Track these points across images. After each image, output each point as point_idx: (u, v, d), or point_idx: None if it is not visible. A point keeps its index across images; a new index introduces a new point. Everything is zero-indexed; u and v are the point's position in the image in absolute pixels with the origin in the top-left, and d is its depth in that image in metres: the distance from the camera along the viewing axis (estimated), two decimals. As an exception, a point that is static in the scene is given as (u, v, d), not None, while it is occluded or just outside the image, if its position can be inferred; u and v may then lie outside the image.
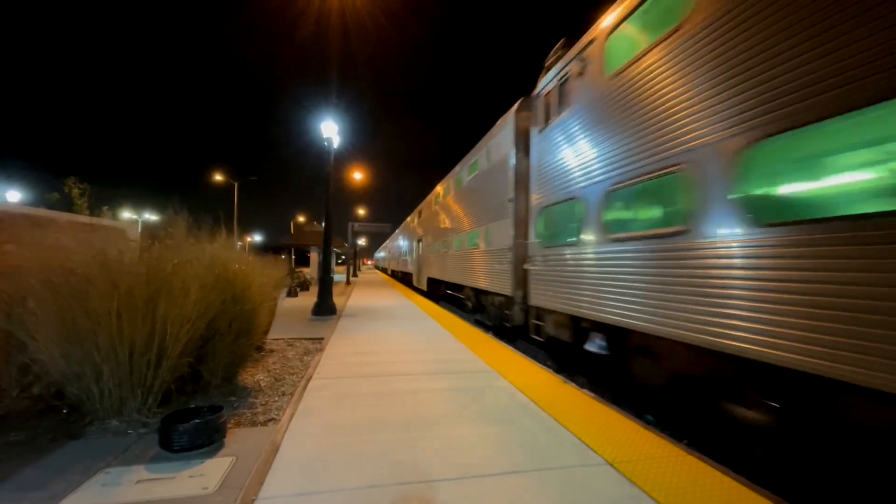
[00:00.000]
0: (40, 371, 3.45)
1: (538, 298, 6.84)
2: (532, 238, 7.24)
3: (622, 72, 4.83)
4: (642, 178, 4.42)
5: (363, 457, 2.81)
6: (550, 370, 5.17)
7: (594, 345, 5.39)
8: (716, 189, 3.52)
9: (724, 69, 3.48)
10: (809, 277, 2.78)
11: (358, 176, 25.38)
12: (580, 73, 5.83)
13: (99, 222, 6.20)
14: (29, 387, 3.69)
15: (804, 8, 2.88)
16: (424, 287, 18.41)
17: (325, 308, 10.12)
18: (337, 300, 11.12)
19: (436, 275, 15.81)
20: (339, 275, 28.64)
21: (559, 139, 6.33)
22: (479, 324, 10.32)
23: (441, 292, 15.38)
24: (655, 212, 4.44)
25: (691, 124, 3.80)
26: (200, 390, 4.15)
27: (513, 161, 8.12)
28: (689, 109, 3.82)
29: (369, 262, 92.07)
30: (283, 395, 4.23)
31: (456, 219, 12.99)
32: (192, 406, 3.33)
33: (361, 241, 43.91)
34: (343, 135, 11.05)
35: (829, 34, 2.70)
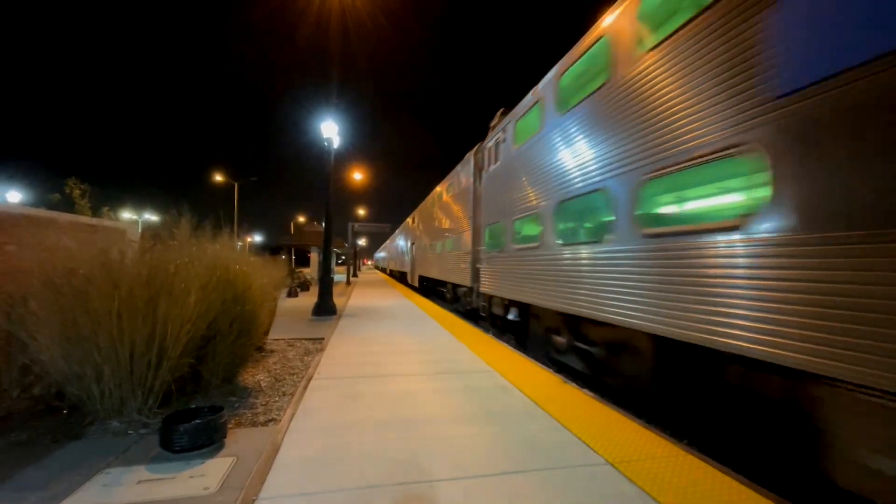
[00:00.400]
0: (41, 372, 3.45)
1: (485, 288, 9.58)
2: (481, 245, 10.07)
3: (523, 145, 7.57)
4: (531, 212, 7.08)
5: (364, 457, 2.81)
6: (551, 370, 5.17)
7: (512, 314, 8.13)
8: (551, 224, 6.28)
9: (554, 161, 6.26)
10: (661, 266, 3.98)
11: (358, 176, 25.38)
12: (503, 141, 8.73)
13: (100, 223, 6.21)
14: (30, 387, 3.69)
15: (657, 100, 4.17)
16: (417, 284, 20.85)
17: (325, 308, 10.12)
18: (337, 300, 11.13)
19: (425, 273, 18.48)
20: (339, 275, 28.65)
21: (494, 181, 9.21)
22: (461, 314, 11.84)
23: (429, 287, 18.17)
24: (534, 231, 7.02)
25: (550, 188, 6.33)
26: (201, 390, 4.15)
27: (472, 188, 10.93)
28: (546, 180, 6.50)
29: (369, 263, 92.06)
30: (284, 395, 4.23)
31: (438, 228, 15.68)
32: (193, 406, 3.33)
33: (361, 242, 43.94)
34: (343, 135, 11.07)
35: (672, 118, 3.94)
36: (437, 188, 16.14)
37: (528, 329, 7.59)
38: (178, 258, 3.86)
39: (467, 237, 11.15)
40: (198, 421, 2.93)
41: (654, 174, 4.08)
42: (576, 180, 5.55)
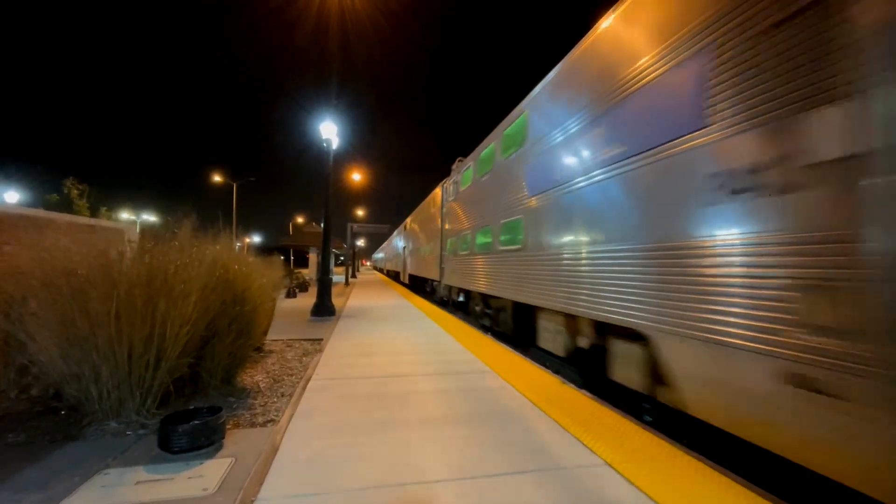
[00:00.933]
0: (39, 372, 3.45)
1: (447, 280, 13.68)
2: (445, 251, 13.98)
3: (464, 190, 11.64)
4: (464, 232, 11.13)
5: (362, 458, 2.81)
6: (549, 371, 5.17)
7: (462, 297, 12.13)
8: (473, 241, 10.38)
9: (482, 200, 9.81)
10: (507, 266, 7.69)
11: (357, 177, 25.39)
12: (456, 182, 12.51)
13: (98, 223, 6.20)
14: (28, 388, 3.68)
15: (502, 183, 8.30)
16: (408, 281, 24.89)
17: (323, 309, 10.11)
18: (336, 301, 11.12)
19: (413, 272, 22.62)
20: (337, 276, 28.62)
21: (450, 208, 13.43)
22: (445, 304, 14.77)
23: (418, 286, 22.14)
24: (467, 244, 10.91)
25: (472, 220, 10.50)
26: (199, 391, 4.14)
27: (440, 210, 15.05)
28: (470, 216, 10.72)
29: (368, 263, 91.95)
30: (282, 396, 4.23)
31: (422, 236, 19.99)
32: (192, 407, 3.32)
33: (360, 243, 43.90)
34: (343, 136, 11.07)
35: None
36: (422, 204, 20.49)
37: (468, 305, 11.68)
38: (178, 259, 3.86)
39: (436, 245, 15.40)
40: (196, 422, 2.93)
41: (503, 222, 8.10)
42: (479, 218, 9.86)
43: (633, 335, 4.16)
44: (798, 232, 2.54)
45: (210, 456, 2.85)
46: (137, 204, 33.37)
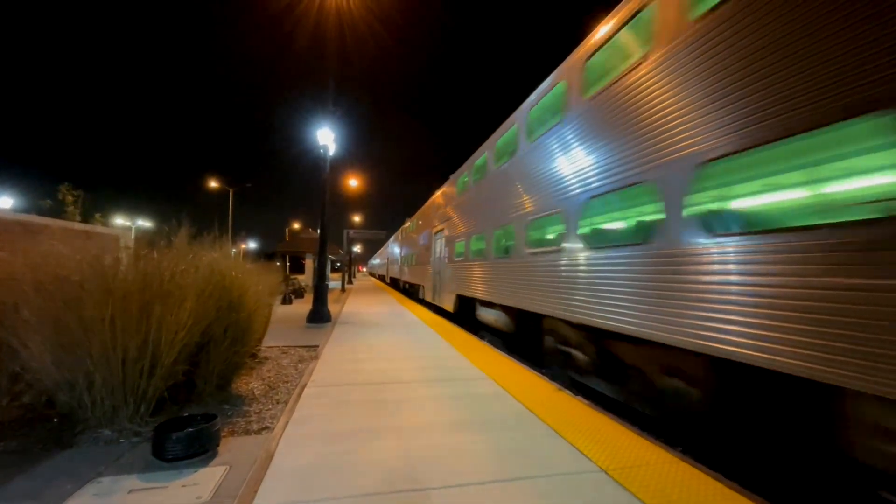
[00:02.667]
0: (32, 379, 3.42)
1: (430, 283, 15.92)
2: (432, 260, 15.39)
3: (447, 201, 13.05)
4: (465, 236, 11.00)
5: (358, 465, 2.81)
6: (545, 377, 5.18)
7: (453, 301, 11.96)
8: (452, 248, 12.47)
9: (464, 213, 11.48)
10: (497, 272, 8.45)
11: (354, 183, 25.42)
12: (444, 194, 13.73)
13: (93, 229, 6.18)
14: (20, 395, 3.65)
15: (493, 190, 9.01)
16: (401, 286, 26.17)
17: (320, 315, 10.08)
18: (332, 307, 11.08)
19: (406, 279, 23.31)
20: (334, 282, 28.54)
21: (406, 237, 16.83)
22: (443, 314, 13.82)
23: (408, 289, 23.28)
24: (460, 248, 11.24)
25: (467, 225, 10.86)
26: (194, 398, 4.12)
27: (396, 248, 20.02)
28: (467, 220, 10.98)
29: (364, 269, 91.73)
30: (278, 403, 4.21)
31: (411, 247, 21.55)
32: (186, 414, 3.31)
33: (357, 248, 43.84)
34: (340, 141, 11.09)
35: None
36: (407, 224, 23.53)
37: (459, 310, 11.74)
38: (174, 265, 3.85)
39: (425, 255, 17.17)
40: (191, 429, 2.91)
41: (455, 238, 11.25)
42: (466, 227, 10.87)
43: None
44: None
45: (204, 464, 2.83)
46: (133, 209, 33.18)
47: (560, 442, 3.20)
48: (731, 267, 3.16)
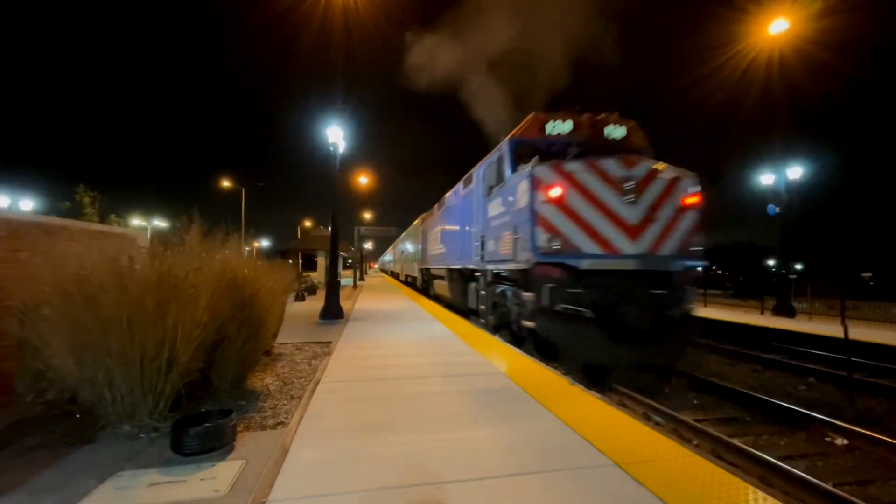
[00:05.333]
0: (54, 377, 3.50)
1: (412, 272, 24.85)
2: (421, 258, 21.24)
3: (423, 231, 20.20)
4: (416, 249, 23.16)
5: (372, 459, 2.83)
6: (557, 372, 5.16)
7: (422, 277, 20.24)
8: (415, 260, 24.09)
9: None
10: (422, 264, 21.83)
11: (364, 180, 25.53)
12: (424, 221, 19.53)
13: (110, 230, 6.29)
14: (43, 392, 3.74)
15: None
16: (403, 278, 31.65)
17: (332, 312, 10.17)
18: (344, 304, 11.16)
19: (406, 272, 29.30)
20: (345, 279, 28.73)
21: (425, 235, 19.17)
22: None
23: (409, 281, 28.57)
24: (407, 257, 27.63)
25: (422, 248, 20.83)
26: (210, 395, 4.19)
27: (420, 235, 20.74)
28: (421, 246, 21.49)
29: (375, 266, 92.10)
30: (292, 398, 4.26)
31: (410, 247, 27.00)
32: (203, 410, 3.37)
33: (368, 245, 44.10)
34: (349, 139, 11.12)
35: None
36: (408, 230, 29.02)
37: (425, 283, 19.24)
38: (188, 264, 3.91)
39: (414, 253, 24.00)
40: (208, 424, 2.96)
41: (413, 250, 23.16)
42: (426, 246, 18.93)
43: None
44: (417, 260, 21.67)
45: (221, 458, 2.88)
46: (148, 209, 33.74)
47: (573, 436, 3.19)
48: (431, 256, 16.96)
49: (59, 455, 2.92)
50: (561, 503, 2.31)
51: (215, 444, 2.95)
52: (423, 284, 20.18)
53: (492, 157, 8.99)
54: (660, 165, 6.84)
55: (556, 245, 6.45)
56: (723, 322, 11.70)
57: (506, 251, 7.69)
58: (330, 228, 11.18)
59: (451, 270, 13.00)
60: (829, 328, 9.93)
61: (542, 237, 6.51)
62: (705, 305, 15.27)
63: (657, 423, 5.17)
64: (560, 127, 7.93)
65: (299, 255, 27.92)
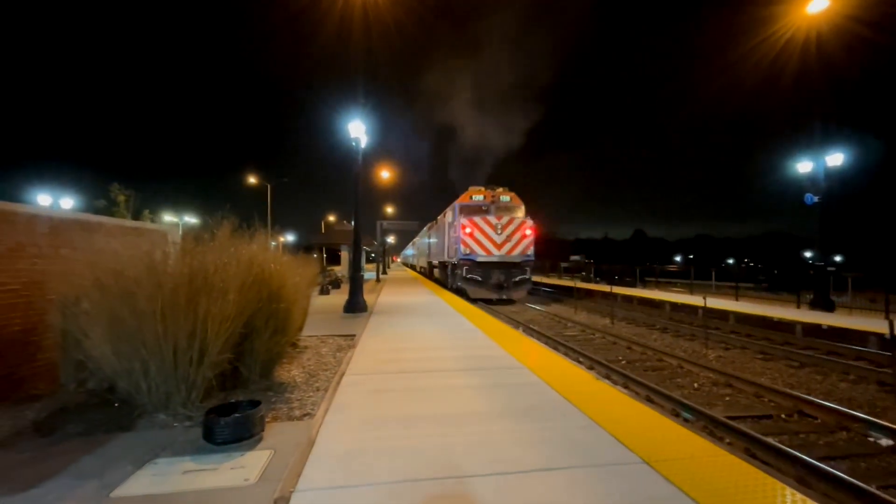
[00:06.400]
0: (94, 367, 3.67)
1: (423, 263, 34.54)
2: (426, 255, 31.25)
3: (426, 236, 30.68)
4: (424, 247, 34.06)
5: (397, 451, 2.85)
6: (582, 367, 5.09)
7: (435, 270, 26.16)
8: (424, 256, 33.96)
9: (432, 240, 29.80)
10: (424, 261, 35.50)
11: (386, 174, 25.66)
12: (429, 230, 28.02)
13: (143, 226, 6.51)
14: (84, 381, 3.93)
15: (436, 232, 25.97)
16: (419, 268, 38.67)
17: (356, 305, 10.30)
18: (367, 297, 11.29)
19: (420, 265, 36.66)
20: (369, 272, 29.11)
21: (427, 238, 29.93)
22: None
23: (421, 271, 36.58)
24: (422, 252, 36.03)
25: (429, 248, 30.09)
26: (240, 385, 4.31)
27: (427, 236, 29.53)
28: (428, 245, 30.63)
29: (398, 260, 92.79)
30: (318, 390, 4.34)
31: (422, 247, 34.64)
32: (233, 401, 3.46)
33: (391, 239, 44.59)
34: (372, 133, 11.17)
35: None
36: (421, 232, 35.00)
37: (431, 270, 27.16)
38: (218, 259, 4.01)
39: (425, 250, 31.38)
40: (237, 415, 3.05)
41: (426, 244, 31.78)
42: (430, 247, 28.06)
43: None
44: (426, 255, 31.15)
45: (251, 448, 2.96)
46: (179, 205, 34.82)
47: (600, 432, 3.14)
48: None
49: (99, 442, 3.05)
50: (588, 500, 2.28)
51: (245, 434, 3.03)
52: (430, 270, 29.08)
53: (450, 209, 19.53)
54: (519, 213, 17.73)
55: (467, 252, 16.56)
56: (755, 316, 11.30)
57: (452, 254, 18.40)
58: (353, 223, 11.29)
59: (440, 262, 22.85)
60: (872, 323, 9.45)
61: (462, 249, 16.60)
62: (737, 299, 14.76)
63: (686, 420, 5.04)
64: (477, 197, 18.09)
65: (323, 249, 28.44)
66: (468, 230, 16.54)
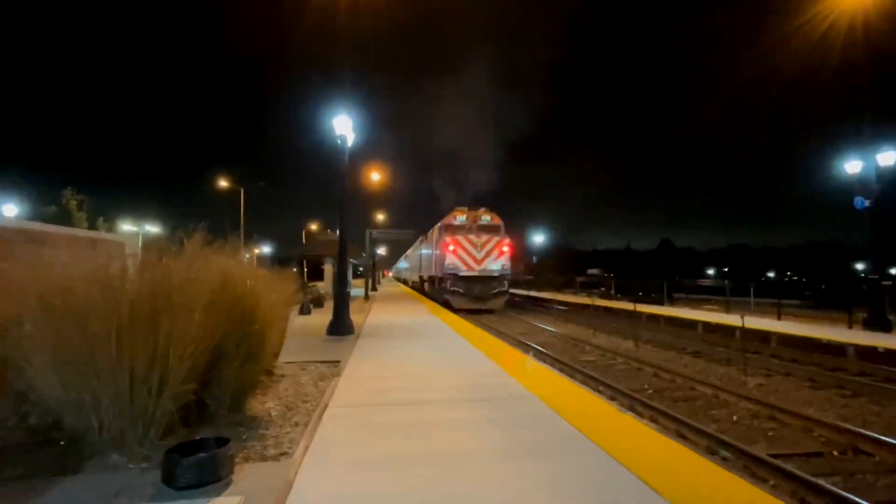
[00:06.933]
0: (37, 399, 3.62)
1: (415, 277, 39.32)
2: (420, 268, 35.39)
3: (417, 250, 37.04)
4: (414, 262, 41.45)
5: (387, 497, 2.82)
6: (602, 396, 5.06)
7: (424, 284, 31.22)
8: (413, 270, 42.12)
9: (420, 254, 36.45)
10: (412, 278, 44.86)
11: (376, 177, 25.80)
12: (420, 244, 34.22)
13: (98, 236, 6.52)
14: (26, 416, 3.88)
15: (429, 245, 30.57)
16: (411, 282, 42.75)
17: (341, 327, 10.25)
18: (355, 318, 11.25)
19: (412, 279, 40.76)
20: (356, 289, 29.03)
21: (418, 251, 35.58)
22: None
23: (413, 285, 40.59)
24: (413, 266, 42.24)
25: (419, 262, 36.40)
26: (206, 420, 4.26)
27: (419, 249, 34.81)
28: (419, 259, 36.81)
29: (389, 274, 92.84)
30: (297, 425, 4.30)
31: (414, 260, 39.85)
32: (198, 438, 3.42)
33: (381, 251, 44.76)
34: (359, 132, 11.23)
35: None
36: (414, 245, 39.40)
37: (422, 286, 31.16)
38: (183, 273, 4.00)
39: (415, 267, 38.17)
40: (202, 454, 3.00)
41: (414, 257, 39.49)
42: (421, 261, 33.35)
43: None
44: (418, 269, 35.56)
45: (218, 493, 2.91)
46: (140, 212, 34.92)
47: (622, 472, 3.10)
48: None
49: (42, 488, 3.01)
50: (610, 553, 2.24)
51: (211, 477, 2.98)
52: (421, 285, 32.00)
53: (436, 228, 24.90)
54: (498, 232, 22.59)
55: (452, 267, 21.48)
56: (801, 338, 11.27)
57: (438, 269, 23.35)
58: (338, 231, 11.31)
59: (429, 276, 26.81)
60: (935, 345, 9.42)
61: (447, 264, 21.58)
62: (779, 318, 14.74)
63: (724, 459, 4.99)
64: (460, 217, 22.90)
65: (304, 262, 28.35)
66: (451, 248, 21.35)
